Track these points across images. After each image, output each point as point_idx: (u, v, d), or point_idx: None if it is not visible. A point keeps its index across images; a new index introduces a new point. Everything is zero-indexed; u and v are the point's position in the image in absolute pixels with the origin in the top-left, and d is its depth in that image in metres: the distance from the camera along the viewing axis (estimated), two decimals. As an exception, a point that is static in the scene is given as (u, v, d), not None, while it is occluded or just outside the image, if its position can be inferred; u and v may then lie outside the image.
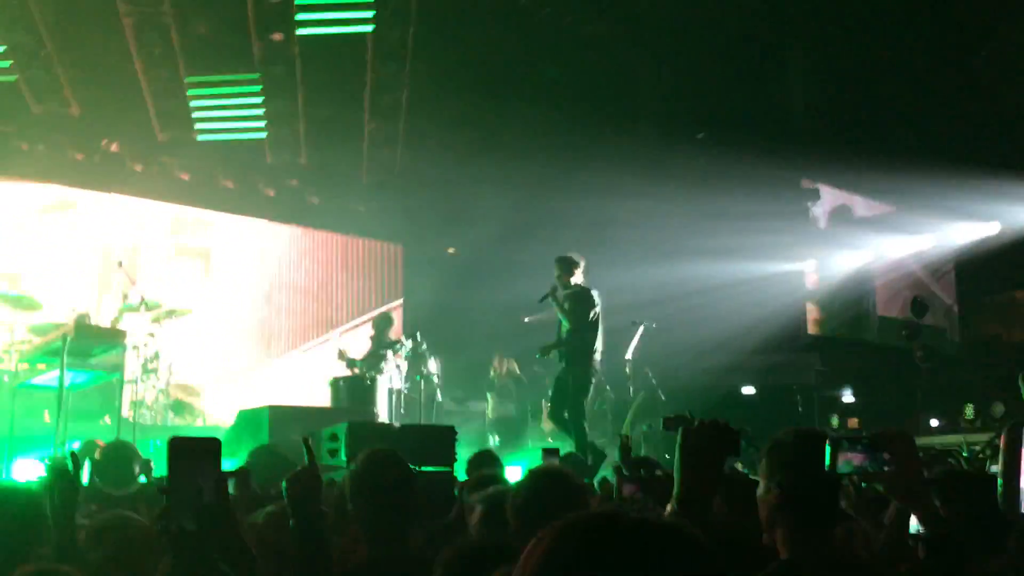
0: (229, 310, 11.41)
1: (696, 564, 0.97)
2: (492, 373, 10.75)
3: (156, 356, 8.89)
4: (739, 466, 5.90)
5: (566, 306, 7.56)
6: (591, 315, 7.53)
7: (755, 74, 11.32)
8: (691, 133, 11.16)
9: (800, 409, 10.58)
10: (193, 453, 2.09)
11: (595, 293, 7.70)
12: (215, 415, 10.38)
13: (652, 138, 10.93)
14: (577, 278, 7.65)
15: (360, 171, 11.95)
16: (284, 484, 3.06)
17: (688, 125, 11.18)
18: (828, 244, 13.17)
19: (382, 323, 8.92)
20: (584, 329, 7.51)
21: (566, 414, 7.50)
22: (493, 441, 10.16)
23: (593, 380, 7.71)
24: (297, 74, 9.98)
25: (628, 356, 9.64)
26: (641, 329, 9.50)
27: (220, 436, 2.14)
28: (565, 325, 7.63)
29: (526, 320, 11.43)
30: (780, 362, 11.42)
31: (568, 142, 10.88)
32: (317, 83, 10.29)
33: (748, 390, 11.13)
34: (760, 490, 2.26)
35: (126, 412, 8.17)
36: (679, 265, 10.66)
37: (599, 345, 7.64)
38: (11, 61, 9.43)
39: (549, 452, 5.93)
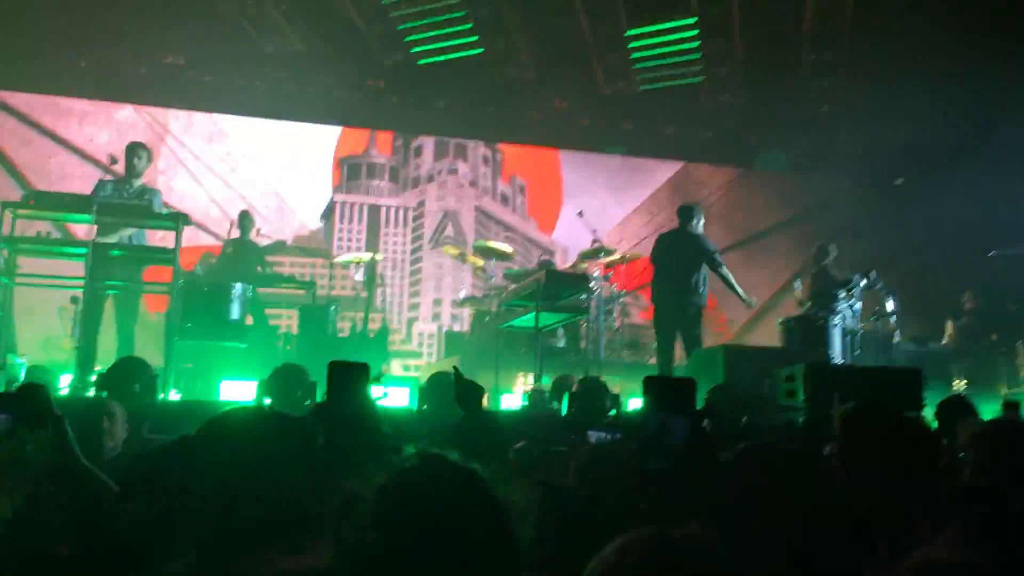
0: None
1: None
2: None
3: (613, 298, 9.52)
4: None
5: None
6: None
7: None
8: None
9: None
10: (668, 393, 2.14)
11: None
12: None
13: None
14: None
15: (801, 106, 11.55)
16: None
17: None
18: None
19: (826, 260, 8.63)
20: None
21: None
22: (959, 386, 9.37)
23: None
24: (734, 12, 9.88)
25: None
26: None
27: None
28: None
29: (990, 255, 10.31)
30: None
31: None
32: (753, 18, 10.10)
33: None
34: None
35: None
36: None
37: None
38: (478, 35, 10.54)
39: (1009, 406, 5.37)
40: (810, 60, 10.67)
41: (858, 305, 8.11)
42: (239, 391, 6.38)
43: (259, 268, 9.09)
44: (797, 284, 8.58)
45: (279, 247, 9.92)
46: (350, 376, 2.57)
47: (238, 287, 7.29)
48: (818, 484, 3.21)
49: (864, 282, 8.30)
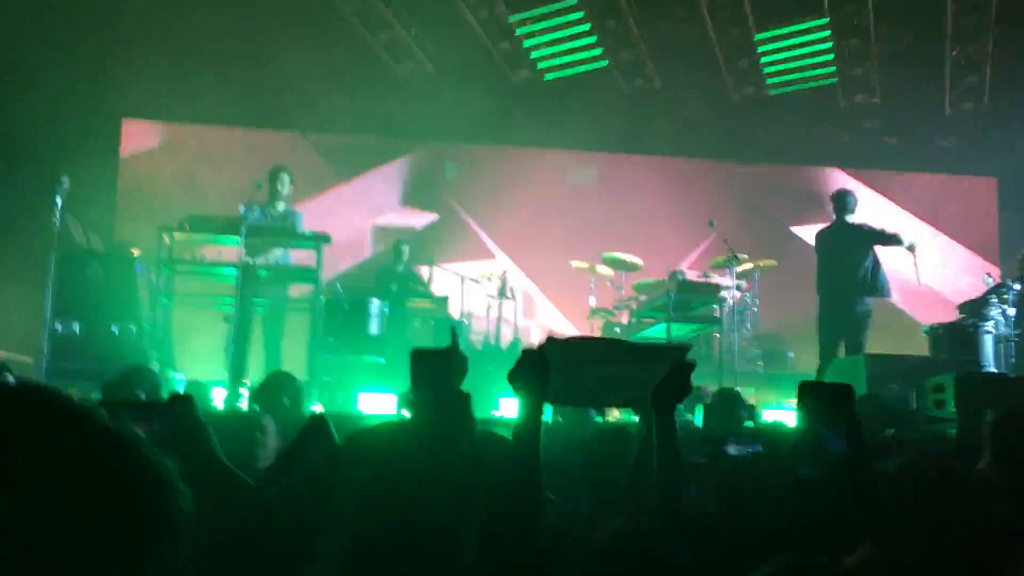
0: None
1: None
2: None
3: (745, 307, 9.34)
4: None
5: None
6: None
7: None
8: None
9: None
10: (825, 400, 2.08)
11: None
12: (803, 362, 10.56)
13: None
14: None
15: (942, 103, 11.05)
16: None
17: None
18: None
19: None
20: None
21: None
22: None
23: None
24: (870, 9, 9.57)
25: None
26: None
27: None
28: None
29: None
30: None
31: None
32: (891, 15, 9.76)
33: None
34: None
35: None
36: None
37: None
38: (603, 48, 10.59)
39: None
40: (953, 56, 10.23)
41: (1012, 310, 7.67)
42: (376, 403, 6.61)
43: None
44: (987, 279, 8.15)
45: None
46: (434, 364, 2.60)
47: (375, 303, 7.55)
48: (979, 503, 3.07)
49: (1018, 286, 7.84)
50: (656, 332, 8.33)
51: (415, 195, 12.01)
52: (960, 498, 3.04)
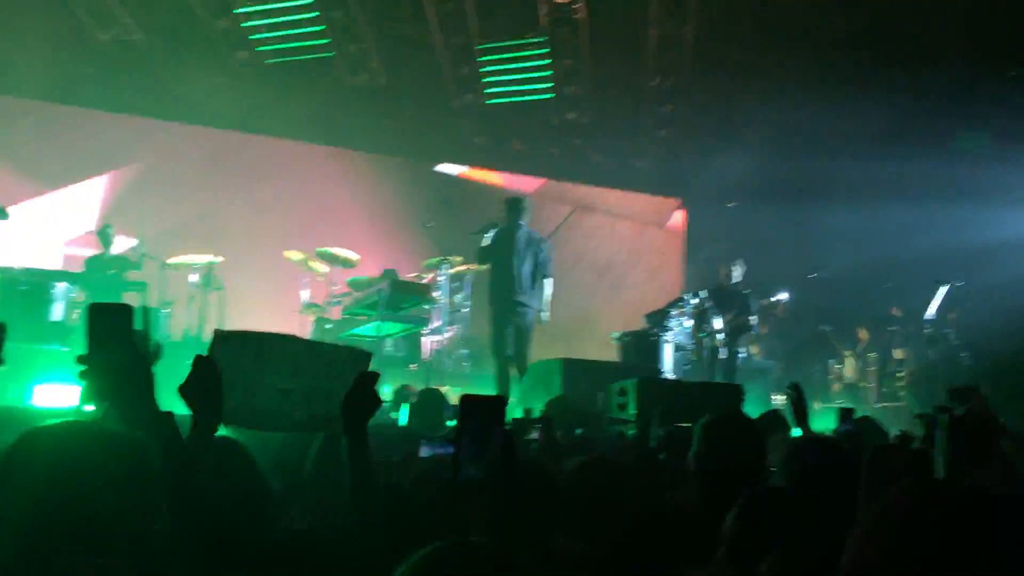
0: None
1: None
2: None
3: (457, 308, 9.57)
4: None
5: None
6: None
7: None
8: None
9: None
10: (482, 410, 2.20)
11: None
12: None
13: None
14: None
15: (642, 128, 12.00)
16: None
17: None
18: None
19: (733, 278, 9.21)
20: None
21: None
22: (779, 401, 9.97)
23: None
24: (582, 34, 10.18)
25: (929, 315, 9.05)
26: (945, 289, 8.86)
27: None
28: None
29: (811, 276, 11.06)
30: None
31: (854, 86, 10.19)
32: (603, 40, 10.43)
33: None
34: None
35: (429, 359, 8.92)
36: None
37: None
38: (329, 39, 10.39)
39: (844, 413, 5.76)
40: (653, 86, 11.11)
41: (688, 322, 8.49)
42: (57, 395, 6.03)
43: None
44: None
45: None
46: (116, 321, 2.27)
47: (61, 286, 6.89)
48: (648, 495, 3.37)
49: (694, 300, 8.70)
50: (367, 330, 8.31)
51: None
52: (629, 489, 3.30)
